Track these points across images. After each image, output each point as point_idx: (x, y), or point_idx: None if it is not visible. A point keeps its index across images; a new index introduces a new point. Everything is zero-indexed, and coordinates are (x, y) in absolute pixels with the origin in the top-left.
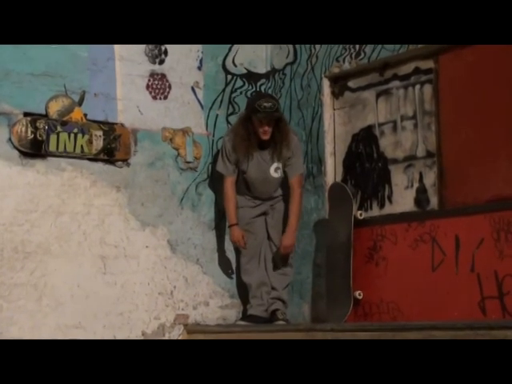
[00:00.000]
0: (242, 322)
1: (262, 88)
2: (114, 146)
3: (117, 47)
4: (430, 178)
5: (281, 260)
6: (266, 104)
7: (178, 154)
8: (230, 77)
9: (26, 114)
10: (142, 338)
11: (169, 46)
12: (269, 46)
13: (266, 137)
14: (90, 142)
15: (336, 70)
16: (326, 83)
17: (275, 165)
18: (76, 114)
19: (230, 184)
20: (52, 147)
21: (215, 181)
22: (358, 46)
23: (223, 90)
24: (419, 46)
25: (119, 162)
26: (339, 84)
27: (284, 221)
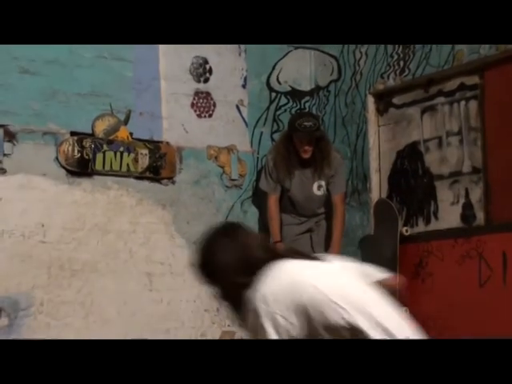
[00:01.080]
0: None
1: (307, 105)
2: (159, 165)
3: (162, 67)
4: (476, 194)
5: None
6: (306, 123)
7: (223, 171)
8: (274, 94)
9: (72, 134)
10: None
11: (213, 65)
12: (313, 63)
13: (306, 155)
14: (136, 160)
15: (380, 87)
16: (370, 100)
17: (317, 183)
18: (122, 133)
19: (273, 202)
20: (98, 166)
21: (260, 198)
22: (402, 63)
23: (267, 108)
24: (464, 61)
25: (165, 180)
26: (384, 101)
27: (327, 238)
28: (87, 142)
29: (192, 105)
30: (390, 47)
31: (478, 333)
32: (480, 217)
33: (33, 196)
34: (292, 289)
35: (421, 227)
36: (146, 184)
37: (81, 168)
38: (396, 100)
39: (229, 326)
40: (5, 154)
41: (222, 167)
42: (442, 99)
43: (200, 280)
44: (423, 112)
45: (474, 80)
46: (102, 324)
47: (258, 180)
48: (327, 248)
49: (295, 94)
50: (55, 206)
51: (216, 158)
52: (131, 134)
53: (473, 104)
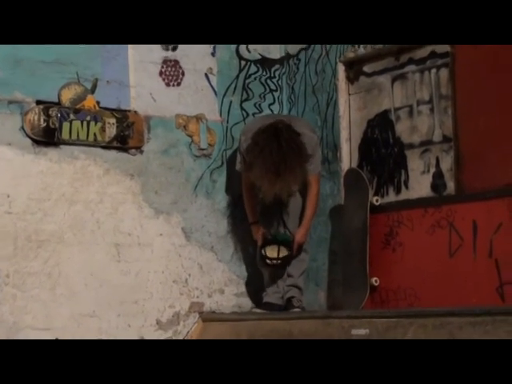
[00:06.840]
0: (258, 310)
1: (277, 73)
2: (127, 134)
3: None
4: (447, 163)
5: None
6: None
7: (192, 140)
8: (243, 63)
9: (38, 102)
10: (156, 326)
11: None
12: None
13: None
14: (103, 129)
15: (351, 55)
16: (340, 68)
17: None
18: (89, 102)
19: (248, 183)
20: (65, 135)
21: (229, 167)
22: None
23: (237, 76)
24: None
25: (132, 150)
26: (354, 69)
27: (302, 214)
28: (53, 111)
29: (160, 73)
30: None
31: (448, 303)
32: (450, 186)
33: None
34: None
35: (391, 197)
36: (113, 154)
37: (47, 137)
38: (366, 68)
39: (197, 297)
40: None
41: (191, 136)
42: (412, 67)
43: None
44: (394, 80)
45: (445, 48)
46: (70, 295)
47: (229, 157)
48: (298, 226)
49: (265, 63)
50: (21, 176)
51: (185, 127)
52: (98, 102)
53: (444, 72)
